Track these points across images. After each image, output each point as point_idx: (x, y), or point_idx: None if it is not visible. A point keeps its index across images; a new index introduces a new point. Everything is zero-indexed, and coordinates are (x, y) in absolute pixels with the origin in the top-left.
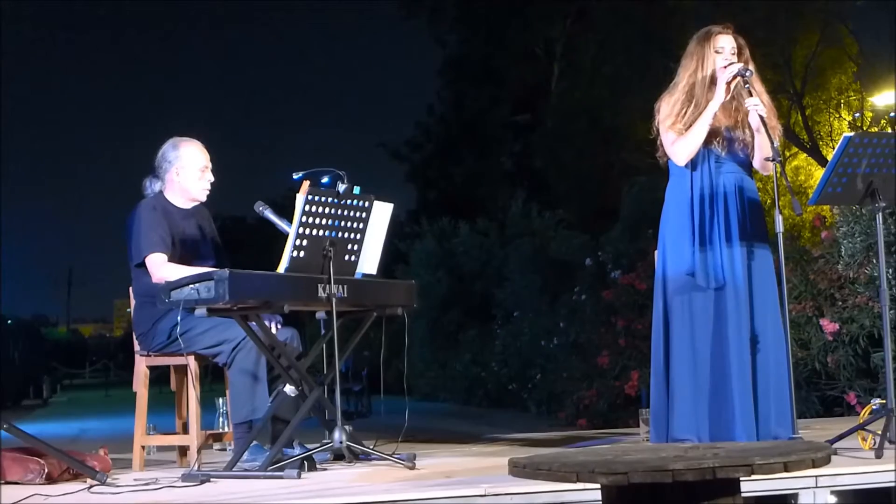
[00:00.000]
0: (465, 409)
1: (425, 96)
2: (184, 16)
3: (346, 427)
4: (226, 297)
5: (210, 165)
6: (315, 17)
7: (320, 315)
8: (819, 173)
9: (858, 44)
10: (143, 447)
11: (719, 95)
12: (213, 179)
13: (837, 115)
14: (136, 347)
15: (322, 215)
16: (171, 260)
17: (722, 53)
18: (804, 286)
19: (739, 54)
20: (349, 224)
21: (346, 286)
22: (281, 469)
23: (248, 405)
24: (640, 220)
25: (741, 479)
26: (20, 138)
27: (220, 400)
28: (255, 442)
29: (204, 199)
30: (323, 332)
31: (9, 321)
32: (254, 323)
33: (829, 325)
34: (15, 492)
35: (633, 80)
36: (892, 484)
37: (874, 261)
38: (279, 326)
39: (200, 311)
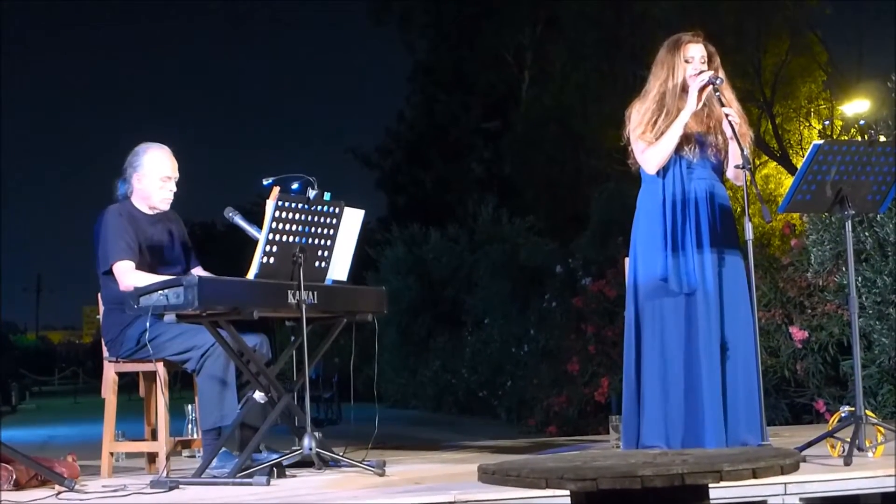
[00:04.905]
0: (435, 415)
1: (395, 102)
2: (158, 22)
3: (316, 434)
4: (195, 303)
5: (175, 175)
6: (284, 22)
7: (290, 322)
8: (789, 181)
9: (828, 52)
10: (111, 454)
11: (691, 104)
12: (175, 190)
13: (807, 124)
14: (105, 354)
15: (292, 221)
16: (138, 267)
17: (692, 62)
18: (773, 294)
19: (710, 62)
20: (319, 230)
21: (316, 292)
22: (250, 476)
23: (217, 412)
24: (609, 226)
25: (710, 485)
26: None
27: (189, 406)
28: (224, 448)
29: (166, 207)
30: (293, 338)
31: None
32: (223, 329)
33: (798, 333)
34: None
35: (603, 87)
36: (861, 491)
37: (843, 269)
38: None
39: (169, 317)
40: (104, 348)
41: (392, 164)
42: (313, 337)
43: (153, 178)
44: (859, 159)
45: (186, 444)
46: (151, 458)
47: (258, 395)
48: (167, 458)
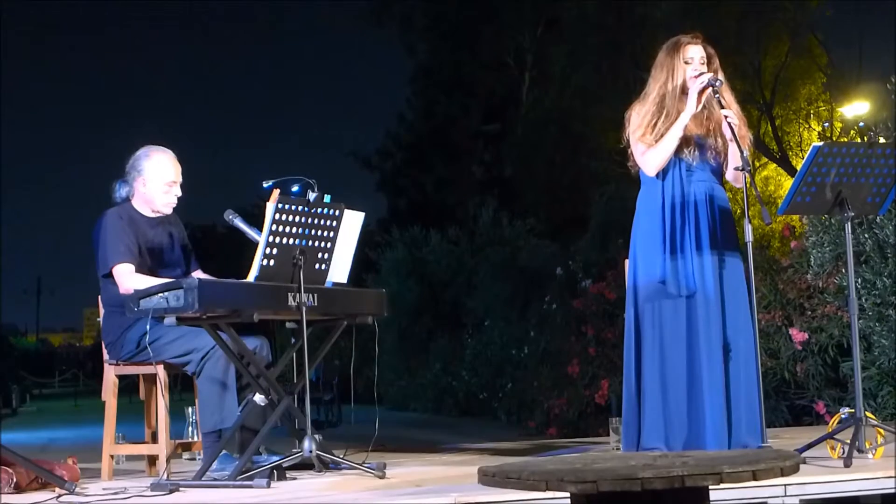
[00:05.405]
0: (436, 418)
1: (396, 105)
2: (157, 23)
3: (316, 436)
4: (195, 305)
5: (179, 180)
6: (285, 24)
7: (290, 324)
8: (788, 183)
9: (828, 54)
10: (111, 456)
11: (690, 106)
12: (180, 194)
13: (807, 126)
14: (105, 356)
15: (292, 224)
16: (138, 270)
17: (691, 64)
18: (773, 296)
19: (709, 63)
20: (320, 232)
21: (316, 295)
22: (250, 478)
23: (217, 414)
24: (610, 228)
25: (710, 487)
26: None
27: (190, 409)
28: (224, 451)
29: (169, 212)
30: (293, 341)
31: None
32: (223, 332)
33: (798, 335)
34: None
35: (604, 89)
36: (861, 493)
37: (843, 270)
38: None
39: (170, 319)
40: (104, 351)
41: (392, 167)
42: (313, 339)
43: (157, 183)
44: (859, 161)
45: (187, 447)
46: (152, 460)
47: (258, 398)
48: (167, 461)
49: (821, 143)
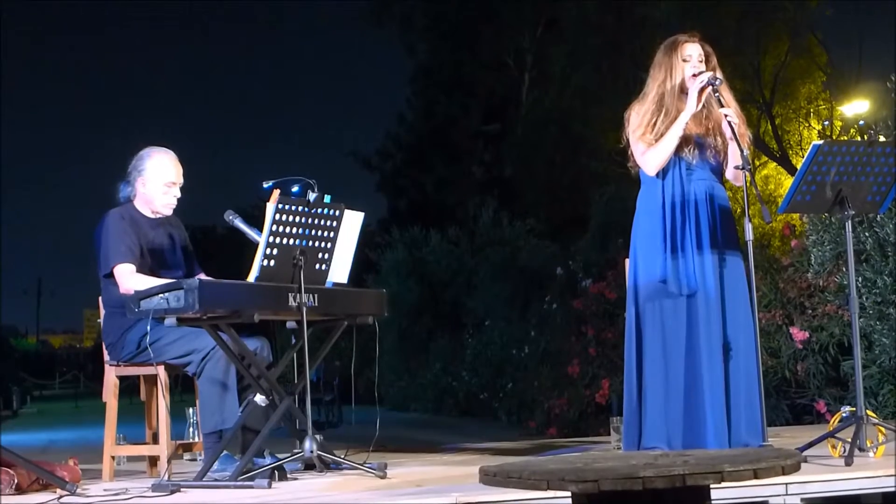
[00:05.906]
0: (436, 418)
1: (396, 105)
2: (157, 23)
3: (317, 436)
4: (195, 306)
5: (180, 181)
6: (285, 24)
7: (291, 324)
8: (788, 182)
9: (827, 53)
10: (112, 457)
11: (691, 105)
12: (179, 195)
13: (807, 125)
14: (106, 357)
15: (292, 224)
16: (139, 270)
17: (690, 62)
18: (774, 295)
19: (707, 61)
20: (320, 233)
21: (316, 295)
22: (251, 479)
23: (218, 415)
24: (610, 228)
25: (711, 486)
26: None
27: (190, 410)
28: (225, 452)
29: (168, 213)
30: (293, 341)
31: None
32: (223, 332)
33: (798, 334)
34: None
35: (604, 90)
36: (862, 491)
37: (843, 269)
38: None
39: (170, 320)
40: (105, 352)
41: (392, 167)
42: (314, 340)
43: (157, 183)
44: (859, 160)
45: (188, 448)
46: (153, 461)
47: (259, 398)
48: (168, 462)
49: (821, 142)
